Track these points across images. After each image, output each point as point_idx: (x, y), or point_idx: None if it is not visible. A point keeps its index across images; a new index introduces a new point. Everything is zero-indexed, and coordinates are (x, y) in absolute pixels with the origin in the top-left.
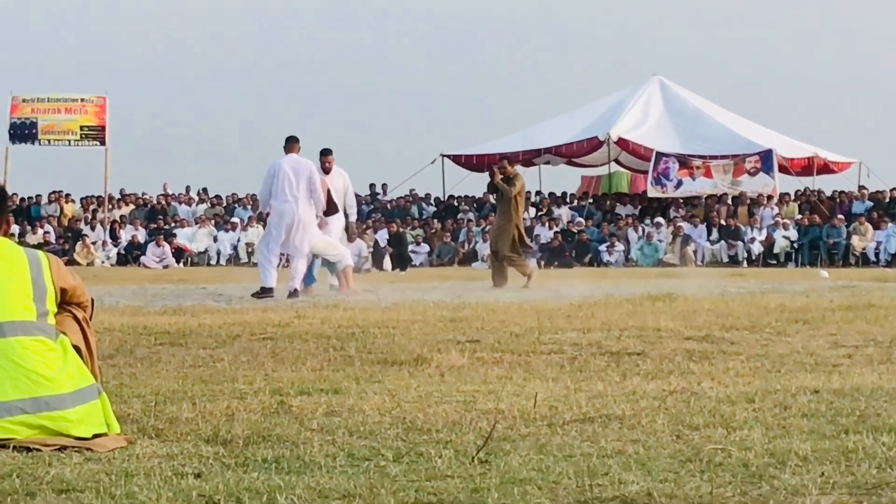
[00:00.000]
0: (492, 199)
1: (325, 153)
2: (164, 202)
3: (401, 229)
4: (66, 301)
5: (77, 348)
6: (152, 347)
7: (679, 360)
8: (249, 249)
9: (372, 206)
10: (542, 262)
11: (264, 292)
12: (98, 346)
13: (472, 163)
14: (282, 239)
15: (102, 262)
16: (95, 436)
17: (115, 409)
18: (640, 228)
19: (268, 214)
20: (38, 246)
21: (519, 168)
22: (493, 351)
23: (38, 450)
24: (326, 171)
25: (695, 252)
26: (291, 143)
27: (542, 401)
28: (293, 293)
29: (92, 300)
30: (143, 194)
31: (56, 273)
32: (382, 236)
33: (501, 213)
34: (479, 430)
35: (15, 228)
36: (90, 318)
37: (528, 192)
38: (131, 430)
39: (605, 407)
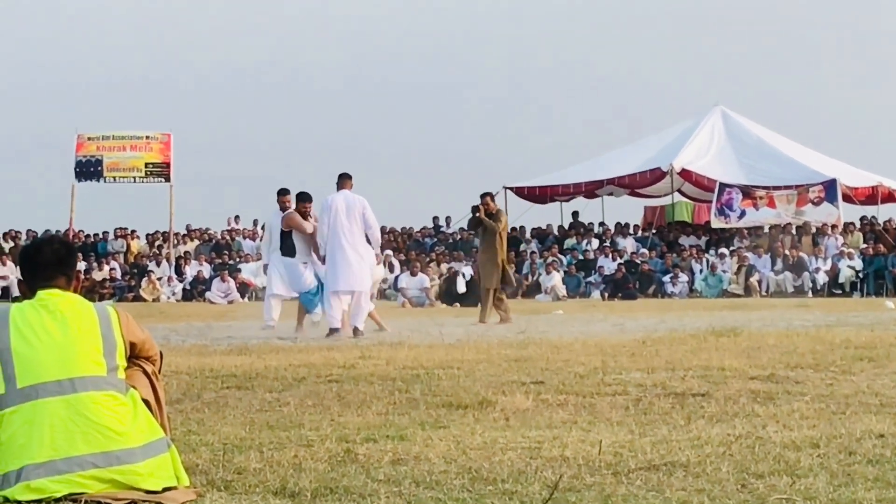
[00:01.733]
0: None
1: (283, 193)
2: (228, 237)
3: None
4: (135, 355)
5: (146, 402)
6: (219, 391)
7: (744, 401)
8: None
9: (435, 239)
10: (606, 294)
11: (332, 332)
12: (166, 391)
13: (535, 194)
14: (339, 276)
15: (168, 297)
16: (165, 489)
17: (184, 458)
18: (703, 259)
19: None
20: (104, 282)
21: (582, 199)
22: (558, 393)
23: None
24: (284, 209)
25: (759, 282)
26: (344, 180)
27: (607, 447)
28: (356, 332)
29: (161, 353)
30: (208, 230)
31: (125, 328)
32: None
33: (486, 249)
34: (545, 479)
35: (81, 265)
36: (159, 371)
37: (591, 222)
38: (200, 482)
39: (669, 453)
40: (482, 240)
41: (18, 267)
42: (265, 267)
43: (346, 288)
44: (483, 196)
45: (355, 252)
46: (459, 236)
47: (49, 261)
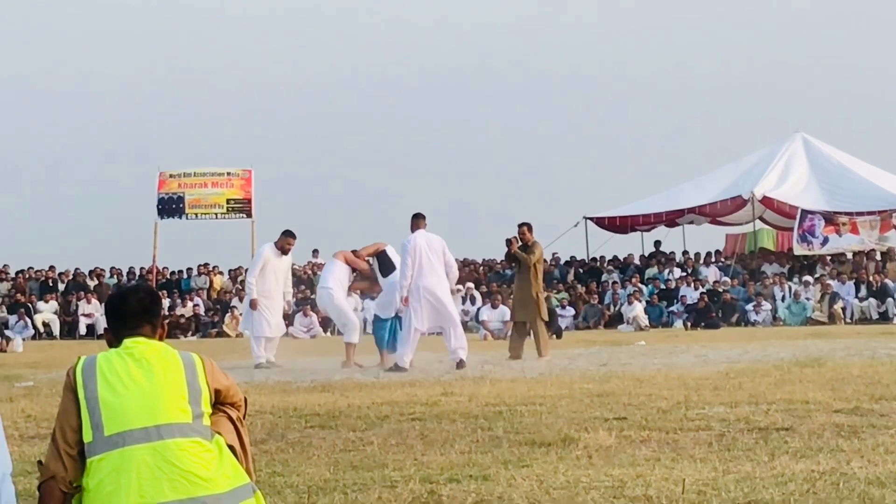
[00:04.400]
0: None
1: (289, 234)
2: (310, 272)
3: (553, 297)
4: (219, 401)
5: (231, 448)
6: (303, 431)
7: (828, 436)
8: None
9: (512, 270)
10: (689, 324)
11: (397, 369)
12: (250, 431)
13: (615, 224)
14: (426, 314)
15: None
16: None
17: (270, 501)
18: (786, 287)
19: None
20: (189, 319)
21: (662, 228)
22: (641, 429)
23: None
24: (286, 251)
25: (843, 310)
26: (419, 220)
27: (691, 485)
28: (460, 364)
29: (245, 399)
30: (291, 265)
31: (210, 375)
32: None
33: (520, 282)
34: None
35: (165, 302)
36: (244, 417)
37: (672, 251)
38: None
39: (753, 492)
40: (518, 273)
41: (104, 315)
42: (252, 302)
43: (439, 326)
44: (520, 226)
45: (441, 290)
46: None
47: (134, 309)
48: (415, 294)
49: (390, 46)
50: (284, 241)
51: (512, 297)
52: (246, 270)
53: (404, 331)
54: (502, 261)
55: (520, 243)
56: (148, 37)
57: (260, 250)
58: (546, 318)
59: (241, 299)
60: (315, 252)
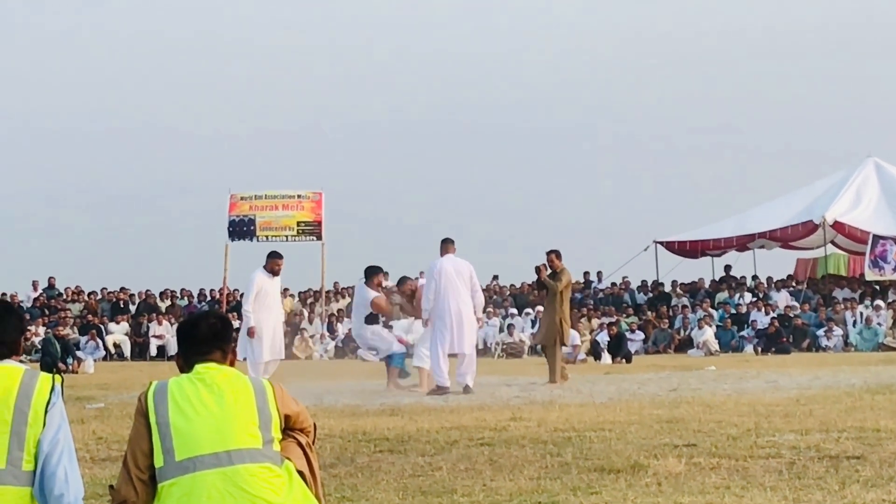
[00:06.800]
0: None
1: (275, 256)
2: None
3: (622, 322)
4: (289, 427)
5: (301, 473)
6: (372, 455)
7: None
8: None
9: (582, 295)
10: (759, 349)
11: (440, 390)
12: (319, 456)
13: (685, 248)
14: (448, 337)
15: (321, 355)
16: None
17: None
18: (858, 312)
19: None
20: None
21: (733, 253)
22: (711, 456)
23: None
24: (276, 273)
25: None
26: (448, 245)
27: None
28: (466, 389)
29: (314, 425)
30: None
31: (280, 400)
32: (603, 338)
33: (546, 307)
34: None
35: (235, 324)
36: (313, 443)
37: (743, 276)
38: None
39: None
40: (546, 299)
41: (176, 340)
42: (250, 330)
43: (457, 350)
44: (548, 253)
45: (465, 314)
46: (611, 291)
47: (205, 335)
48: (439, 317)
49: (463, 77)
50: (273, 263)
51: (539, 322)
52: (315, 293)
53: (432, 354)
54: (531, 285)
55: (549, 270)
56: (219, 71)
57: (252, 276)
58: (567, 343)
59: (310, 322)
60: (385, 275)
